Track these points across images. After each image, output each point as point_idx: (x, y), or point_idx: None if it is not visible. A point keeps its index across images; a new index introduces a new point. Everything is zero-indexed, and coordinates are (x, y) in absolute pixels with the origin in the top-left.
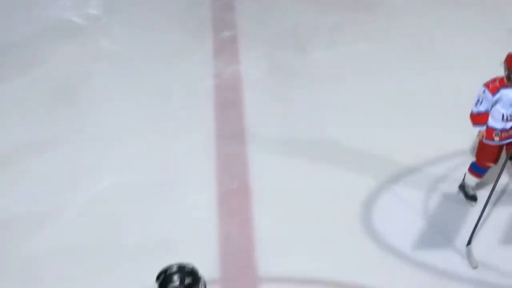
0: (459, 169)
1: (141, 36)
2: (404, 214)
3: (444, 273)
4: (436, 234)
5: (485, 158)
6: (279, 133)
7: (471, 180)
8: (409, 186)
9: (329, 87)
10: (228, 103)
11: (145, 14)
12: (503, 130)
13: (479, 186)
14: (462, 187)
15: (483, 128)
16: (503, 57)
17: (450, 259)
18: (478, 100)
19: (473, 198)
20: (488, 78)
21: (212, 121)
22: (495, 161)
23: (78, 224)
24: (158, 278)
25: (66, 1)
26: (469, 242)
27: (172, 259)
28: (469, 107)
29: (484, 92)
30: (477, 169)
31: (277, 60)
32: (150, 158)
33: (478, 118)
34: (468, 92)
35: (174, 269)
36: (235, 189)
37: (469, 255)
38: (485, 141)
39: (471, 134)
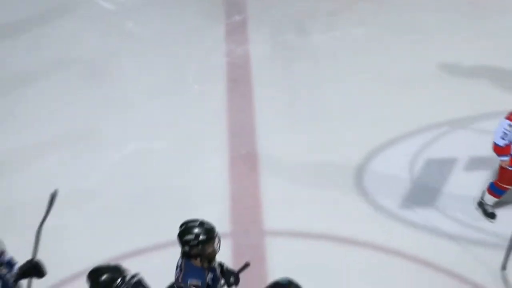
0: (442, 138)
1: (160, 19)
2: (393, 177)
3: (426, 228)
4: (422, 194)
5: (506, 182)
6: (283, 105)
7: (490, 200)
8: (399, 151)
9: (327, 64)
10: (238, 79)
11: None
12: None
13: (498, 203)
14: (481, 204)
15: (508, 158)
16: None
17: (432, 216)
18: (503, 134)
19: (491, 216)
20: (471, 55)
21: (224, 94)
22: None
23: (108, 182)
24: (180, 226)
25: None
26: (503, 267)
27: (190, 215)
28: (452, 81)
29: (509, 126)
30: (496, 190)
31: (281, 41)
32: (170, 126)
33: (504, 150)
34: (452, 68)
35: (195, 223)
36: (244, 155)
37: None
38: (509, 168)
39: (456, 106)
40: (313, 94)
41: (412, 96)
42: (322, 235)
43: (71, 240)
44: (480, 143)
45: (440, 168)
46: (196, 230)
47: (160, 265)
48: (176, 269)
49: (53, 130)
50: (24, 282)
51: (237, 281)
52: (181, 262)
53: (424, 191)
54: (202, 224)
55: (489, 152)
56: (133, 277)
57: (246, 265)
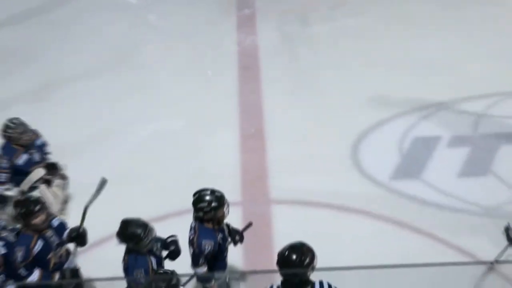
0: (428, 118)
1: (179, 11)
2: (384, 152)
3: (414, 198)
4: (410, 167)
5: None
6: (287, 88)
7: None
8: (390, 129)
9: (326, 51)
10: (247, 66)
11: None
12: None
13: None
14: (507, 229)
15: None
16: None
17: (419, 187)
18: None
19: None
20: (452, 42)
21: (235, 79)
22: None
23: (131, 157)
24: (194, 195)
25: None
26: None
27: (204, 185)
28: (437, 66)
29: None
30: None
31: (286, 32)
32: (187, 106)
33: None
34: (436, 54)
35: (207, 192)
36: (253, 133)
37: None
38: None
39: (439, 89)
40: (314, 77)
41: (402, 79)
42: (320, 203)
43: (102, 205)
44: (461, 123)
45: (426, 144)
46: (208, 198)
47: (180, 229)
48: (190, 230)
49: (87, 109)
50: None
51: (241, 239)
52: (195, 225)
53: (411, 165)
54: (213, 192)
55: (468, 130)
56: (170, 237)
57: (249, 225)
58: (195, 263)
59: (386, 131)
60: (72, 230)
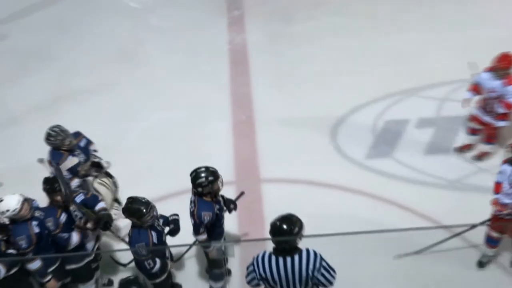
0: (398, 103)
1: (177, 15)
2: (360, 133)
3: (385, 173)
4: (382, 147)
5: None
6: (274, 80)
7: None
8: (365, 113)
9: (307, 47)
10: (238, 61)
11: None
12: None
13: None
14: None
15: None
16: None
17: (390, 164)
18: None
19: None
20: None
21: (227, 73)
22: None
23: (137, 143)
24: (191, 174)
25: None
26: None
27: (202, 164)
28: (406, 58)
29: None
30: None
31: (272, 30)
32: (186, 98)
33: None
34: (406, 47)
35: (202, 169)
36: (244, 120)
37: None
38: None
39: (408, 78)
40: (297, 70)
41: (374, 70)
42: (305, 180)
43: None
44: (427, 107)
45: (396, 127)
46: (204, 174)
47: (181, 205)
48: (190, 204)
49: (98, 102)
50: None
51: (235, 207)
52: (194, 199)
53: (384, 144)
54: (207, 169)
55: (433, 113)
56: (172, 215)
57: (241, 194)
58: (196, 231)
59: (361, 115)
60: (103, 216)
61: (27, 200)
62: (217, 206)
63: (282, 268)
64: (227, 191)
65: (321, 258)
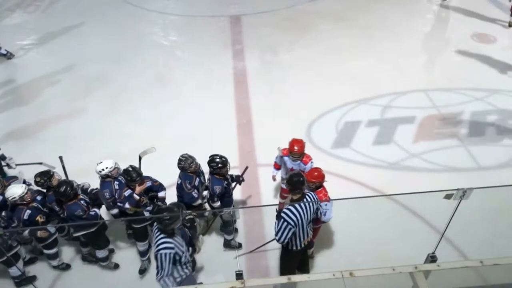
0: (354, 109)
1: (195, 48)
2: (326, 130)
3: (347, 159)
4: (343, 141)
5: None
6: (266, 94)
7: None
8: (330, 116)
9: (290, 69)
10: (240, 81)
11: (198, 37)
12: None
13: None
14: None
15: None
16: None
17: (350, 153)
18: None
19: None
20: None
21: (232, 89)
22: None
23: (170, 140)
24: (209, 157)
25: (156, 30)
26: None
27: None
28: (358, 77)
29: None
30: None
31: (263, 59)
32: (202, 108)
33: None
34: (357, 70)
35: (217, 156)
36: (245, 122)
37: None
38: None
39: (360, 89)
40: (282, 87)
41: (336, 86)
42: None
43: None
44: (374, 111)
45: (352, 126)
46: (217, 160)
47: None
48: (206, 180)
49: (142, 111)
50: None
51: (243, 179)
52: (209, 177)
53: (343, 138)
54: (221, 156)
55: (378, 116)
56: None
57: (246, 168)
58: (212, 201)
59: (327, 118)
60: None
61: (117, 167)
62: (226, 182)
63: (303, 209)
64: (234, 172)
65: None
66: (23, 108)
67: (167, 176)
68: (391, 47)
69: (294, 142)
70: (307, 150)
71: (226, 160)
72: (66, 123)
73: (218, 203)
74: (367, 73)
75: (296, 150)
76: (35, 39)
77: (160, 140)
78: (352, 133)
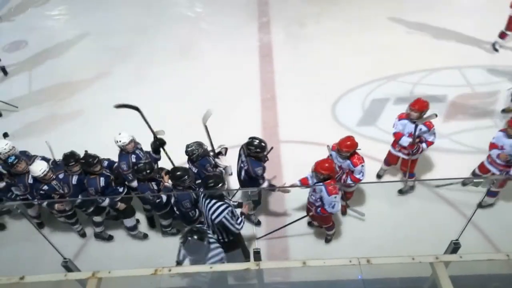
0: (380, 87)
1: (221, 21)
2: (352, 108)
3: (370, 138)
4: (368, 119)
5: None
6: (291, 67)
7: None
8: (356, 93)
9: (318, 42)
10: (265, 55)
11: (224, 9)
12: None
13: None
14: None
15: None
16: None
17: (375, 131)
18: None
19: None
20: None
21: (258, 63)
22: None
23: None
24: (249, 139)
25: (182, 1)
26: None
27: (238, 130)
28: (384, 51)
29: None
30: None
31: (289, 32)
32: (227, 82)
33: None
34: (390, 42)
35: (256, 139)
36: (269, 97)
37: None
38: None
39: (388, 66)
40: (308, 61)
41: (363, 61)
42: (311, 142)
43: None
44: (403, 89)
45: (380, 103)
46: (256, 143)
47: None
48: (242, 163)
49: (167, 84)
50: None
51: (267, 159)
52: (246, 159)
53: (369, 117)
54: (261, 140)
55: (406, 93)
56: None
57: (271, 148)
58: (262, 179)
59: (354, 94)
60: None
61: (133, 140)
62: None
63: None
64: None
65: None
66: (50, 78)
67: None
68: (425, 19)
69: (344, 140)
70: (332, 128)
71: (266, 144)
72: (91, 92)
73: (266, 183)
74: (397, 48)
75: (343, 148)
76: (63, 10)
77: (185, 113)
78: (379, 111)
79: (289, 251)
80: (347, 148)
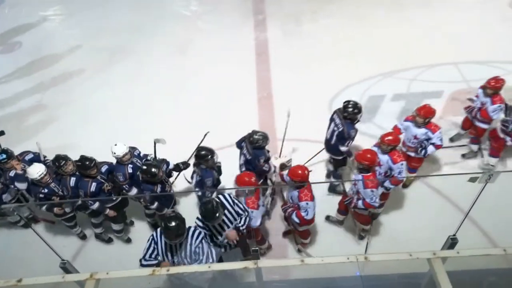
0: (378, 83)
1: (217, 19)
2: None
3: (367, 134)
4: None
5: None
6: (287, 65)
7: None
8: (354, 89)
9: (312, 39)
10: (261, 53)
11: (220, 7)
12: None
13: None
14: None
15: None
16: None
17: (371, 127)
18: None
19: None
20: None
21: (254, 61)
22: None
23: (190, 107)
24: (253, 133)
25: (179, 0)
26: None
27: (236, 128)
28: (381, 49)
29: None
30: None
31: (285, 29)
32: (224, 80)
33: None
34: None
35: (260, 132)
36: (265, 96)
37: None
38: None
39: (385, 63)
40: (303, 59)
41: (359, 58)
42: (307, 139)
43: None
44: (400, 85)
45: (377, 100)
46: (352, 104)
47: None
48: (245, 155)
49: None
50: None
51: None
52: (252, 151)
53: (368, 112)
54: (263, 133)
55: (404, 90)
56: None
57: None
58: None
59: (351, 91)
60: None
61: (129, 152)
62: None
63: None
64: None
65: None
66: (46, 79)
67: (188, 147)
68: (421, 16)
69: (422, 107)
70: (327, 124)
71: (267, 136)
72: (88, 91)
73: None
74: (393, 44)
75: (422, 114)
76: (58, 10)
77: (180, 112)
78: (376, 108)
79: (288, 250)
80: (296, 177)
